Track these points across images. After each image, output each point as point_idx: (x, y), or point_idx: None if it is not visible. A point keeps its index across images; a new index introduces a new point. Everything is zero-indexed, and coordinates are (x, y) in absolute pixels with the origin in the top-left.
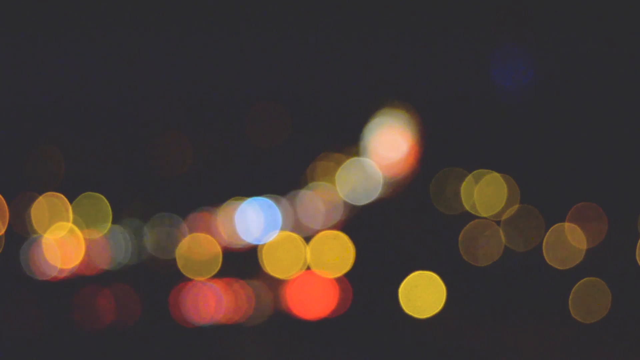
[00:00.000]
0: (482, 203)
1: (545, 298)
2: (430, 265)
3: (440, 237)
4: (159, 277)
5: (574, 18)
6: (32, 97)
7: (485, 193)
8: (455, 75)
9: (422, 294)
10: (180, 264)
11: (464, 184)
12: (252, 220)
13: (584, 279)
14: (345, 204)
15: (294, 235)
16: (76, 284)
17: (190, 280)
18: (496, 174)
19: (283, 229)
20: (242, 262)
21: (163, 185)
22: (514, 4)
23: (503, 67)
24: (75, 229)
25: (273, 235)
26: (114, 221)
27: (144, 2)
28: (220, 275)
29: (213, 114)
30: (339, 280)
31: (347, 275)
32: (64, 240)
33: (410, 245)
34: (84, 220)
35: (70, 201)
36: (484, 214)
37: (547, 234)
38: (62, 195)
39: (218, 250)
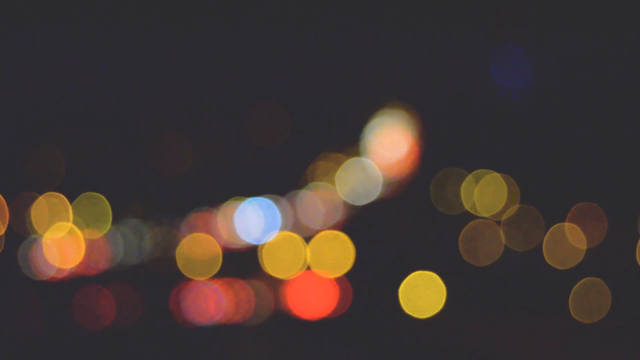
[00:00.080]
0: (482, 203)
1: (545, 298)
2: (430, 265)
3: (440, 237)
4: (159, 277)
5: (574, 18)
6: (32, 97)
7: (485, 193)
8: (455, 75)
9: (422, 294)
10: (180, 264)
11: (464, 184)
12: (252, 220)
13: (584, 279)
14: (345, 204)
15: (294, 235)
16: (76, 284)
17: (190, 280)
18: (496, 174)
19: (283, 229)
20: (242, 262)
21: (163, 185)
22: (514, 4)
23: (503, 67)
24: (75, 229)
25: (273, 236)
26: (114, 221)
27: (144, 2)
28: (220, 275)
29: (213, 114)
30: (339, 280)
31: (347, 275)
32: (64, 240)
33: (410, 245)
34: (84, 220)
35: (70, 201)
36: (484, 214)
37: (547, 234)
38: (62, 195)
39: (218, 250)
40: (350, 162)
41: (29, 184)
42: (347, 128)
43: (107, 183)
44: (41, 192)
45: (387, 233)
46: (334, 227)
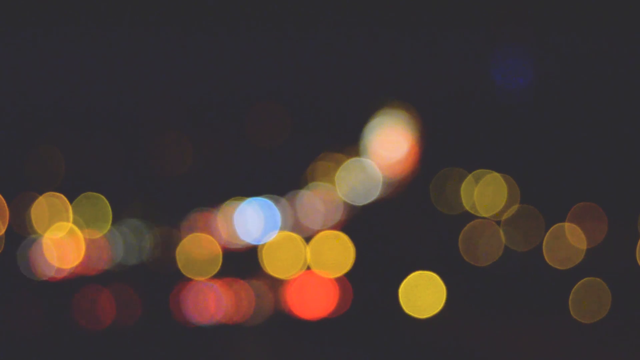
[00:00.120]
0: (482, 203)
1: (545, 298)
2: (430, 265)
3: (440, 237)
4: (159, 277)
5: (574, 18)
6: (32, 97)
7: (485, 193)
8: (456, 75)
9: (422, 294)
10: (180, 264)
11: (464, 184)
12: (252, 220)
13: (584, 279)
14: (345, 204)
15: (294, 235)
16: (76, 284)
17: (190, 280)
18: (496, 174)
19: (283, 229)
20: (242, 262)
21: (163, 185)
22: (514, 4)
23: (503, 67)
24: (75, 229)
25: (273, 236)
26: (114, 221)
27: (144, 2)
28: (220, 275)
29: (213, 114)
30: (339, 280)
31: (347, 275)
32: (64, 240)
33: (410, 245)
34: (84, 220)
35: (70, 201)
36: (484, 214)
37: (547, 234)
38: (62, 195)
39: (218, 250)
40: (350, 162)
41: (29, 184)
42: (347, 128)
43: (107, 183)
44: (41, 192)
45: (387, 233)
46: (334, 227)
